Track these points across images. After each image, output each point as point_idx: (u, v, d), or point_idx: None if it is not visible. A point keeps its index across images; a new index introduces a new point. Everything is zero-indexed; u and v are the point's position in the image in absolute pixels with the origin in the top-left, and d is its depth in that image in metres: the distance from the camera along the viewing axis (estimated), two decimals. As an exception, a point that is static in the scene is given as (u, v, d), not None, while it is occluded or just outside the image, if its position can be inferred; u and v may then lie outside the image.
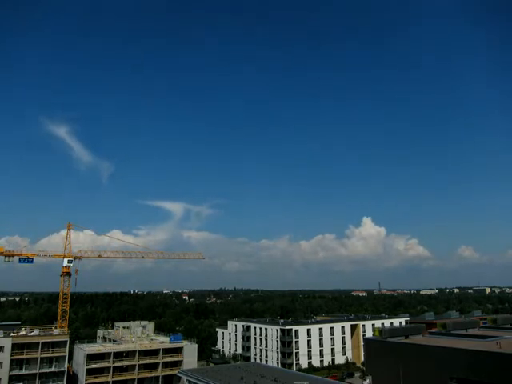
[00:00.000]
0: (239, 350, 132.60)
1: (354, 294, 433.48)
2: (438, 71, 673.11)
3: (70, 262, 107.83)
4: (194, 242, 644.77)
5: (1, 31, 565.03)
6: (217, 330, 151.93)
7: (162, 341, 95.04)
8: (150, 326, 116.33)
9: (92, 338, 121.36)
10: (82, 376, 79.99)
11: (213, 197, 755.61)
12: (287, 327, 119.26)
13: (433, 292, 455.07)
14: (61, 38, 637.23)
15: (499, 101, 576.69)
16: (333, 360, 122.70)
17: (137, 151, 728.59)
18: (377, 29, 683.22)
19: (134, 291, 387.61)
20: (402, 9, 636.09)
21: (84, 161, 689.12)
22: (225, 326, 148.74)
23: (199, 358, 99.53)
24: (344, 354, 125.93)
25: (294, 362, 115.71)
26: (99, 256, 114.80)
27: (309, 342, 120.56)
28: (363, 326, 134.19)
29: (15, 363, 78.13)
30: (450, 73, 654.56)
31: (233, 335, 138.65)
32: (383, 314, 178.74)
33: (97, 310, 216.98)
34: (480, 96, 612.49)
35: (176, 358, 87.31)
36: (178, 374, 65.86)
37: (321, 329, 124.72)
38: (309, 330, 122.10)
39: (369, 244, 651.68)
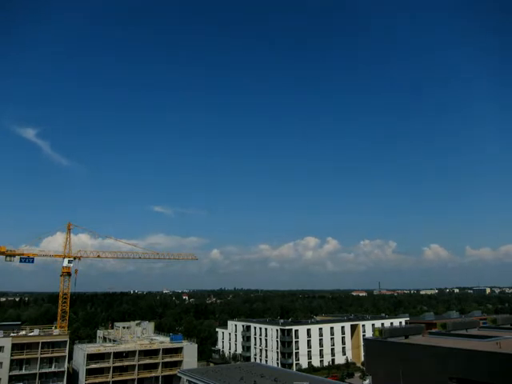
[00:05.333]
0: (239, 350, 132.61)
1: (354, 294, 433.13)
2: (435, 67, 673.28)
3: (70, 262, 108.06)
4: (192, 244, 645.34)
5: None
6: (217, 330, 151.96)
7: (162, 341, 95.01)
8: (150, 325, 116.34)
9: (92, 338, 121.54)
10: (82, 376, 79.93)
11: (210, 199, 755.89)
12: (287, 327, 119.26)
13: (433, 292, 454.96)
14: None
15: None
16: (333, 360, 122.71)
17: (129, 153, 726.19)
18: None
19: (133, 291, 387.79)
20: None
21: (72, 164, 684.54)
22: (225, 326, 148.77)
23: (199, 358, 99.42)
24: (344, 354, 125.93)
25: (294, 362, 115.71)
26: (98, 256, 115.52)
27: (309, 342, 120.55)
28: (363, 326, 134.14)
29: (15, 363, 77.99)
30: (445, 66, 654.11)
31: (233, 335, 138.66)
32: (383, 314, 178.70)
33: (97, 310, 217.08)
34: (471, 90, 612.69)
35: (176, 358, 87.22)
36: (178, 374, 65.81)
37: (321, 329, 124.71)
38: (309, 330, 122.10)
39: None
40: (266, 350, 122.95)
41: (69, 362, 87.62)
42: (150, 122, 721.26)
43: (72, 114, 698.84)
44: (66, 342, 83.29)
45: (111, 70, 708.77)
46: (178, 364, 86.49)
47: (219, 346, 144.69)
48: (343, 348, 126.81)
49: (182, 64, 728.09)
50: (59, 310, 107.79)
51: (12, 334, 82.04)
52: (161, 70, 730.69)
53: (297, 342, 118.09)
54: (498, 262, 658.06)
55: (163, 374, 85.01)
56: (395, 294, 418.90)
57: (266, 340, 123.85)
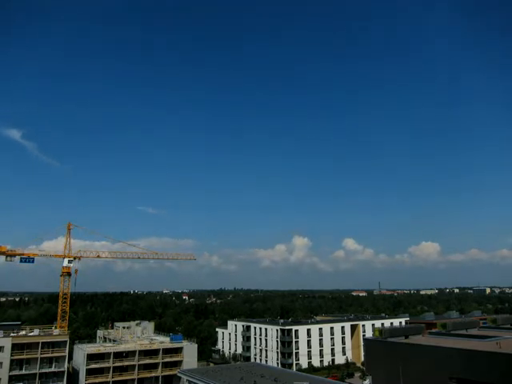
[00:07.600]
0: (239, 350, 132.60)
1: (354, 294, 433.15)
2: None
3: (70, 262, 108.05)
4: (189, 245, 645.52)
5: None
6: (217, 330, 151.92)
7: (162, 341, 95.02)
8: (150, 325, 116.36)
9: (92, 338, 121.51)
10: (82, 376, 79.96)
11: (209, 199, 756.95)
12: (287, 327, 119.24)
13: (433, 292, 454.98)
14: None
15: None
16: (333, 360, 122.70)
17: (125, 153, 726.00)
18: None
19: (133, 291, 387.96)
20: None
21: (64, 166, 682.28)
22: (225, 326, 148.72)
23: (199, 358, 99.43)
24: (344, 354, 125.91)
25: (294, 362, 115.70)
26: (98, 256, 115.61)
27: (309, 342, 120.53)
28: (363, 326, 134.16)
29: (15, 363, 78.00)
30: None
31: (233, 335, 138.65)
32: (383, 314, 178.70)
33: (97, 310, 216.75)
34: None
35: (176, 358, 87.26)
36: (178, 374, 65.80)
37: (321, 329, 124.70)
38: (309, 330, 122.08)
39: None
40: (266, 350, 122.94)
41: (69, 362, 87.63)
42: (149, 123, 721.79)
43: (66, 116, 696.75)
44: (66, 342, 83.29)
45: (109, 70, 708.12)
46: (178, 364, 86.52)
47: (219, 346, 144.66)
48: (343, 348, 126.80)
49: (174, 63, 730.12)
50: (59, 310, 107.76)
51: (12, 334, 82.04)
52: (154, 69, 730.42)
53: (297, 342, 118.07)
54: (495, 261, 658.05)
55: (163, 374, 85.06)
56: (395, 294, 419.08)
57: (266, 340, 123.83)
